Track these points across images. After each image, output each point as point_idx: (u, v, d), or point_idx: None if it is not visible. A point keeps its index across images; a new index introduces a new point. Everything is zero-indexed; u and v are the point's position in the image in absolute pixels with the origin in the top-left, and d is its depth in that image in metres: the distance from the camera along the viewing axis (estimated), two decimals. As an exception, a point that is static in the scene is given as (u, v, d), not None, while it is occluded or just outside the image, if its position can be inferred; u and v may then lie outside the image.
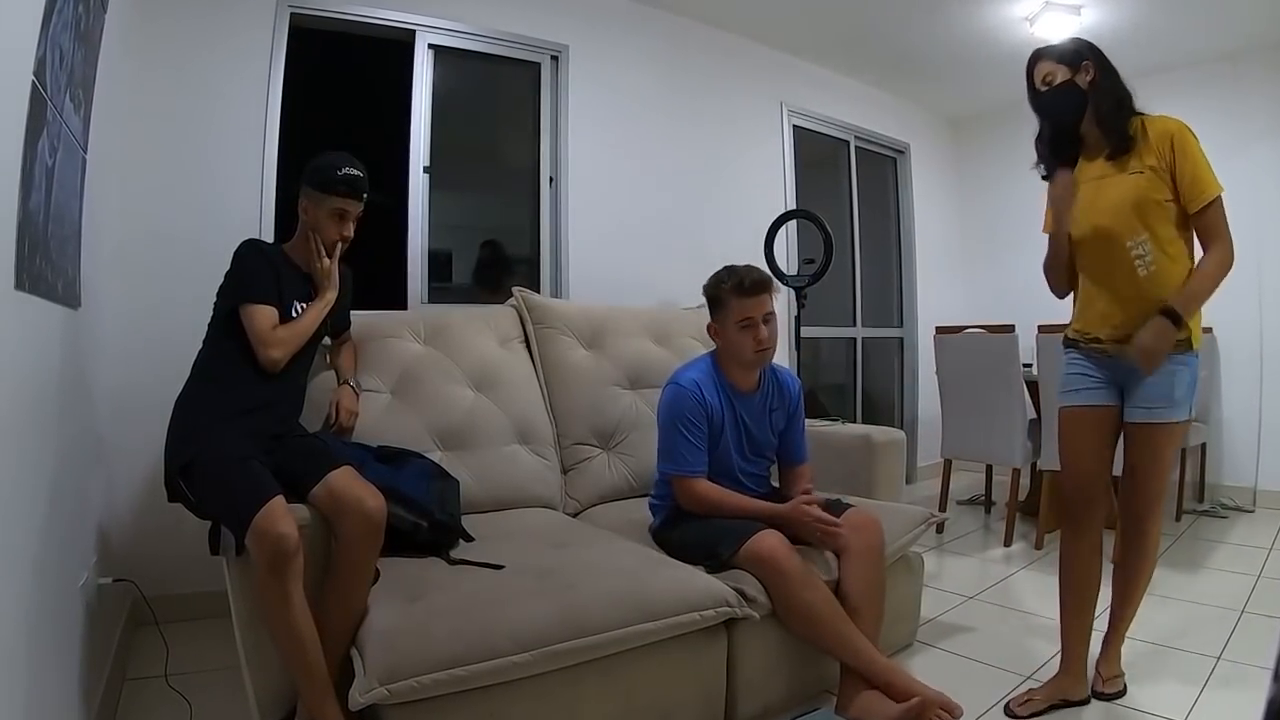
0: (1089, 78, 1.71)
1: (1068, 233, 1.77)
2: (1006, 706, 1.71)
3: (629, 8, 3.41)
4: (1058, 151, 1.79)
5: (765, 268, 2.88)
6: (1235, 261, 1.63)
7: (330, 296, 1.76)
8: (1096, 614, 1.79)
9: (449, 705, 1.28)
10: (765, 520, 1.75)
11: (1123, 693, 1.75)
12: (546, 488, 2.21)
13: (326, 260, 1.75)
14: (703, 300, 1.97)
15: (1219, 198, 1.62)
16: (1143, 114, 1.71)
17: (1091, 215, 1.72)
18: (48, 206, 1.27)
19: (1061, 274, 1.84)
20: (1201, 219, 1.64)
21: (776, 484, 2.08)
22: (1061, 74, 1.73)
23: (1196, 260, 1.67)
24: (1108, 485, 1.80)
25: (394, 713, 1.26)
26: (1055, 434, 3.02)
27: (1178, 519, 3.51)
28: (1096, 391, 1.77)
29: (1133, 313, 1.66)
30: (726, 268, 1.89)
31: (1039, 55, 1.80)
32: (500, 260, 3.30)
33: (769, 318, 1.84)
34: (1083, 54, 1.73)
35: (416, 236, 2.86)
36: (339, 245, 1.78)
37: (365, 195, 1.77)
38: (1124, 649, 1.81)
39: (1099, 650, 1.81)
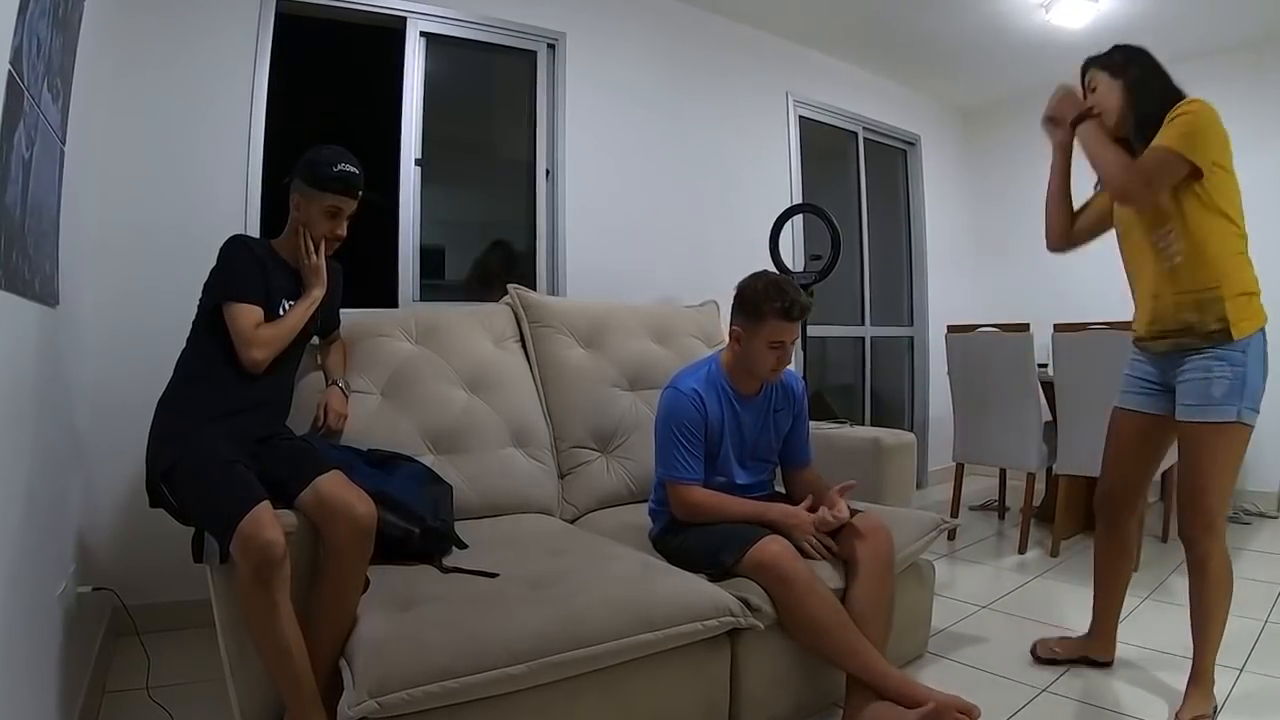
0: (1127, 82, 1.76)
1: (1066, 170, 1.94)
2: (1033, 646, 1.92)
3: (629, -6, 3.41)
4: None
5: (770, 264, 2.89)
6: (1134, 198, 1.67)
7: (317, 294, 1.76)
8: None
9: (440, 718, 1.28)
10: (768, 523, 1.76)
11: None
12: (543, 492, 2.21)
13: (314, 256, 1.75)
14: (705, 298, 1.96)
15: (1166, 150, 1.61)
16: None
17: (1123, 211, 1.78)
18: (24, 200, 1.27)
19: (1053, 218, 2.00)
20: (1146, 154, 1.64)
21: (780, 489, 2.08)
22: (1104, 82, 1.79)
23: (1229, 240, 1.66)
24: (1142, 493, 1.87)
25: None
26: (1066, 438, 3.07)
27: (1199, 525, 3.51)
28: (1143, 397, 1.81)
29: (1164, 306, 1.69)
30: (774, 282, 1.84)
31: (1088, 63, 1.86)
32: (509, 261, 3.23)
33: (794, 341, 1.88)
34: (1129, 61, 1.79)
35: (408, 232, 2.86)
36: (327, 242, 1.77)
37: (360, 193, 1.77)
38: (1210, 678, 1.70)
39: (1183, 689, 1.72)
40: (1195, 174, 1.61)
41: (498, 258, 3.21)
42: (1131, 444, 1.82)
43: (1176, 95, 1.72)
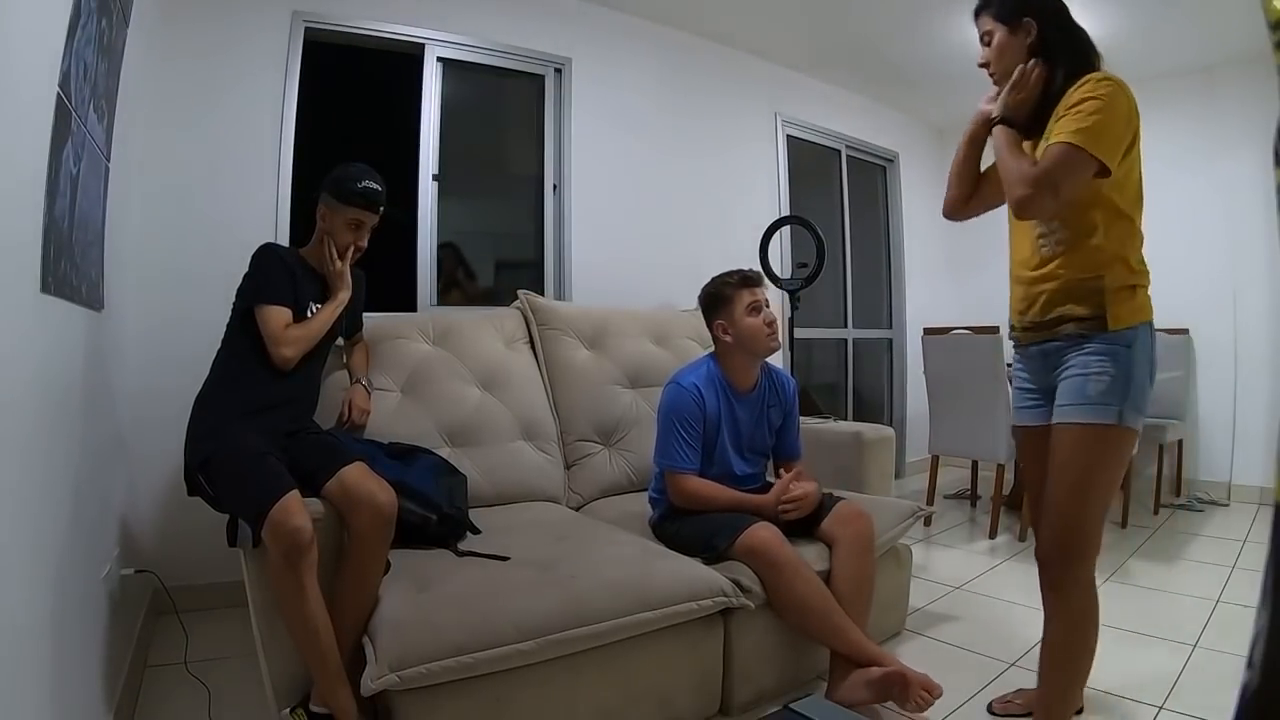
0: (1029, 39, 1.40)
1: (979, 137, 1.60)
2: (990, 705, 1.64)
3: (630, 22, 3.40)
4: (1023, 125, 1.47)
5: (760, 271, 2.88)
6: (1039, 211, 1.33)
7: (343, 297, 1.76)
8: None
9: (456, 691, 1.28)
10: (753, 511, 1.76)
11: None
12: (550, 483, 2.21)
13: (339, 263, 1.75)
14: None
15: (1073, 150, 1.25)
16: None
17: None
18: (72, 213, 1.27)
19: (953, 189, 1.68)
20: (1046, 155, 1.30)
21: (773, 480, 2.08)
22: (999, 34, 1.44)
23: (1119, 231, 1.34)
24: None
25: (403, 698, 1.26)
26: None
27: (1155, 513, 3.51)
28: (1031, 410, 1.52)
29: (1039, 294, 1.40)
30: (718, 275, 1.95)
31: (980, 7, 1.49)
32: (459, 261, 3.16)
33: (767, 302, 1.90)
34: (1022, 10, 1.41)
35: (426, 241, 2.86)
36: (351, 250, 1.78)
37: (381, 208, 1.77)
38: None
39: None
40: (1103, 173, 1.28)
41: (448, 258, 3.17)
42: (1035, 462, 1.50)
43: (1085, 65, 1.36)
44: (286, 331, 1.60)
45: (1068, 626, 1.40)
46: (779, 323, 1.91)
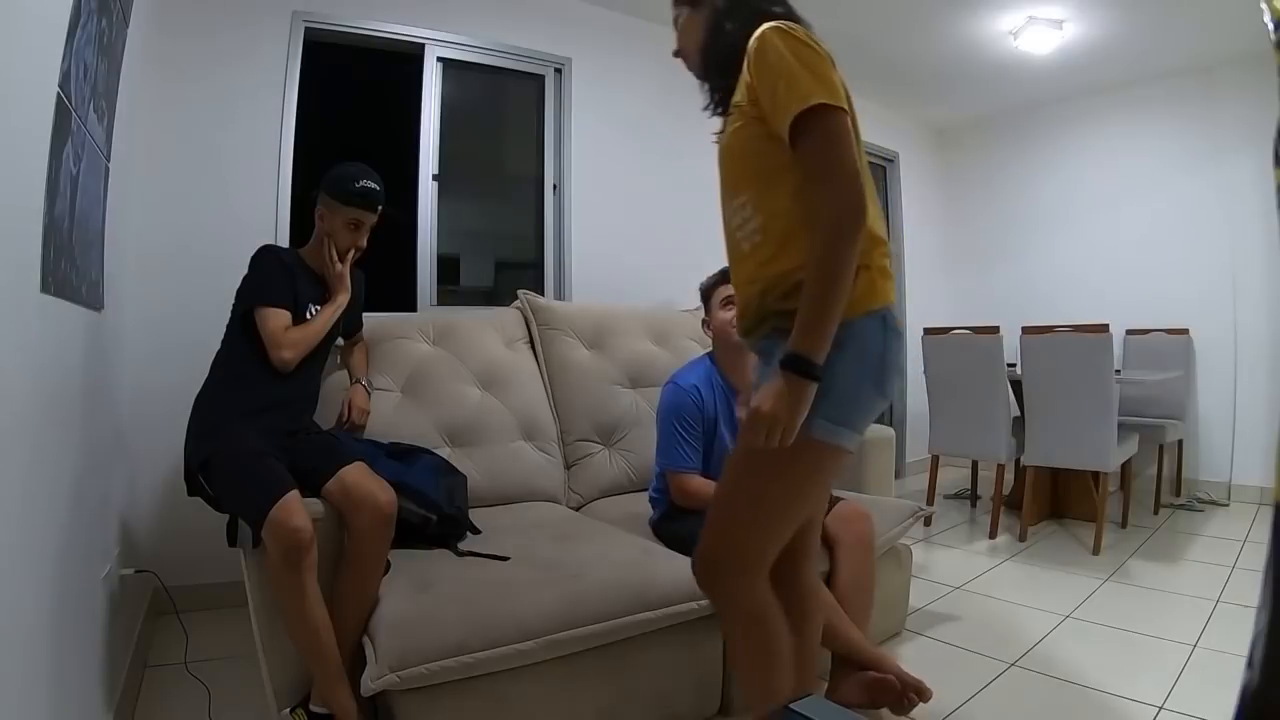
0: (712, 12, 1.23)
1: None
2: None
3: (629, 22, 3.40)
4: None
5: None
6: (861, 222, 1.01)
7: (342, 299, 1.76)
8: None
9: (456, 690, 1.28)
10: None
11: None
12: (550, 482, 2.21)
13: (339, 264, 1.75)
14: (699, 302, 1.98)
15: (817, 108, 1.01)
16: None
17: (720, 175, 1.25)
18: (72, 213, 1.27)
19: None
20: (798, 148, 1.04)
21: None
22: (683, 14, 1.28)
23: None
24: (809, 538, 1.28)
25: (403, 698, 1.26)
26: (1033, 432, 3.07)
27: (1155, 513, 3.51)
28: None
29: (749, 296, 1.16)
30: (710, 275, 2.00)
31: None
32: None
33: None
34: None
35: (426, 242, 2.86)
36: (352, 251, 1.78)
37: (380, 207, 1.77)
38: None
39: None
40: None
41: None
42: None
43: (744, 30, 1.13)
44: (285, 334, 1.60)
45: (738, 653, 1.22)
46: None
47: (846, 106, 1.07)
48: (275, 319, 1.60)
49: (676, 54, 1.31)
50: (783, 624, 1.16)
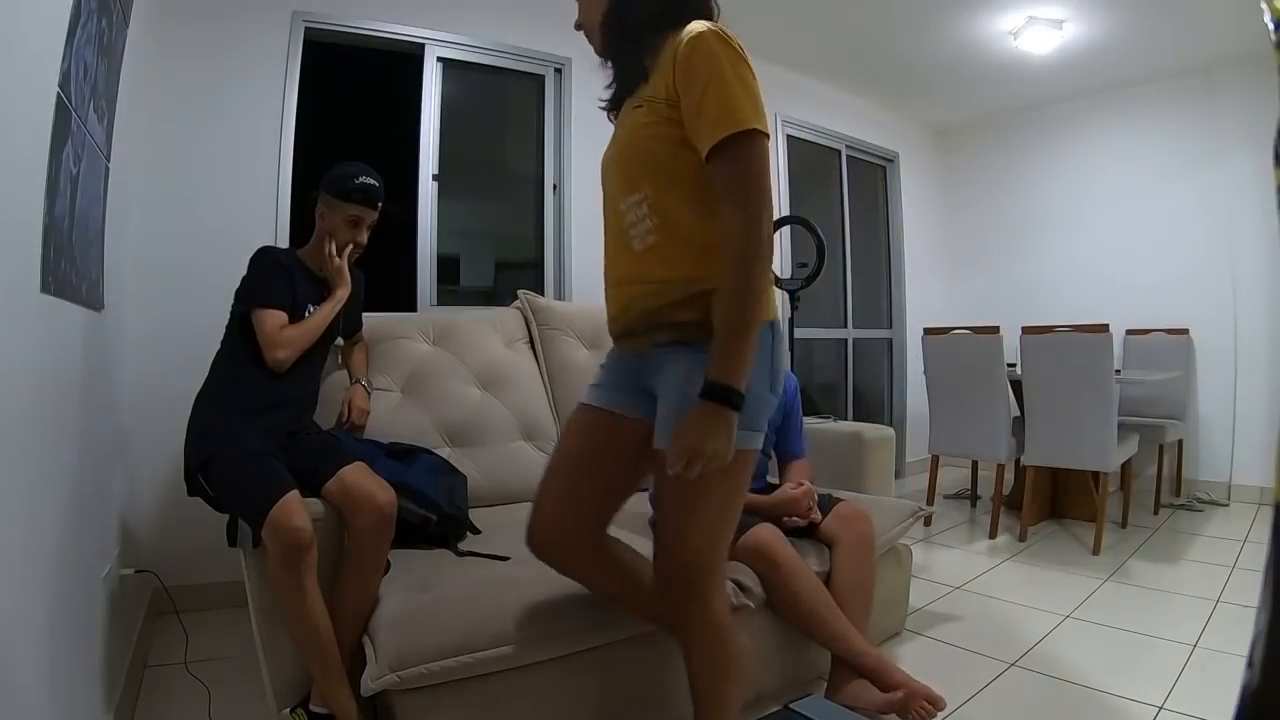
0: None
1: None
2: None
3: (629, 22, 3.40)
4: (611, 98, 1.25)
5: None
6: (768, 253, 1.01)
7: (341, 294, 1.76)
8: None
9: (456, 690, 1.28)
10: (757, 512, 1.76)
11: None
12: (550, 482, 2.21)
13: (338, 259, 1.75)
14: None
15: (747, 134, 1.01)
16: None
17: (606, 165, 1.21)
18: (72, 213, 1.27)
19: None
20: (716, 165, 1.02)
21: (774, 480, 2.08)
22: None
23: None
24: (592, 528, 1.27)
25: (404, 698, 1.26)
26: (1033, 432, 3.07)
27: (1155, 513, 3.51)
28: (614, 393, 1.26)
29: (633, 297, 1.14)
30: None
31: None
32: None
33: None
34: None
35: (426, 241, 2.86)
36: (351, 248, 1.78)
37: (380, 204, 1.78)
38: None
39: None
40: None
41: None
42: (582, 453, 1.26)
43: (659, 16, 1.12)
44: (281, 333, 1.60)
45: (703, 669, 1.20)
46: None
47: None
48: (271, 319, 1.60)
49: (578, 27, 1.24)
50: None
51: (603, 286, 1.24)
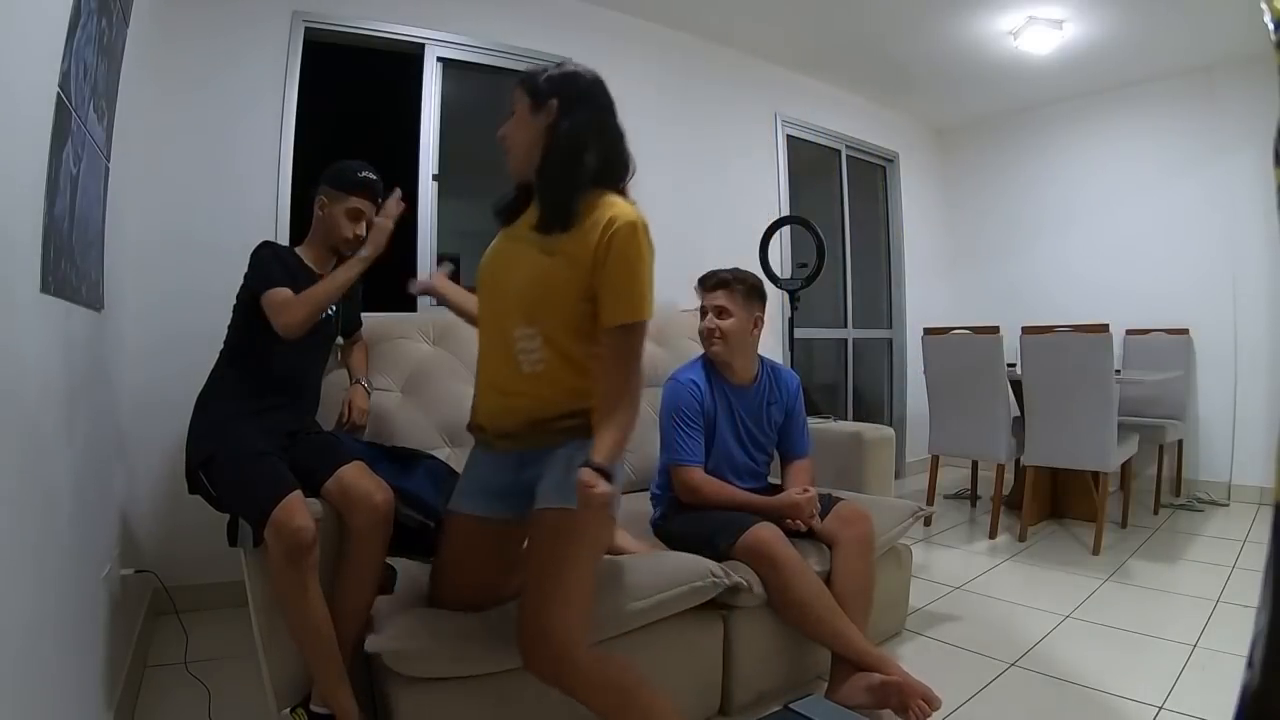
0: (547, 121, 1.29)
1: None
2: None
3: (629, 23, 3.41)
4: (508, 205, 1.42)
5: (760, 271, 2.89)
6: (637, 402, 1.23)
7: (369, 254, 1.67)
8: None
9: (456, 690, 1.29)
10: (758, 513, 1.76)
11: None
12: (550, 482, 2.21)
13: (388, 222, 1.66)
14: (699, 303, 1.99)
15: (644, 323, 1.24)
16: (607, 193, 1.30)
17: (494, 278, 1.36)
18: (72, 213, 1.27)
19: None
20: (610, 342, 1.23)
21: (775, 480, 2.08)
22: (521, 108, 1.32)
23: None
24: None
25: (404, 697, 1.26)
26: (1033, 432, 3.07)
27: (1155, 513, 3.51)
28: (488, 499, 1.36)
29: (516, 406, 1.29)
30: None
31: (521, 78, 1.36)
32: None
33: (721, 311, 1.92)
34: (554, 90, 1.30)
35: (426, 241, 2.86)
36: (348, 243, 1.77)
37: (380, 199, 1.78)
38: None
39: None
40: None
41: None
42: (473, 555, 1.36)
43: (594, 175, 1.29)
44: (289, 302, 1.55)
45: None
46: (775, 332, 1.92)
47: None
48: (278, 295, 1.56)
49: (501, 139, 1.36)
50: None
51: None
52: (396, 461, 1.76)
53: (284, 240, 2.43)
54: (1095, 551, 2.85)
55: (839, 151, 4.46)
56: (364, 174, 1.73)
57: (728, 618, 1.65)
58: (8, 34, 0.93)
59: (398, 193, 1.71)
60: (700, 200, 3.62)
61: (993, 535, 3.15)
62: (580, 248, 1.24)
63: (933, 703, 1.51)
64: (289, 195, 2.48)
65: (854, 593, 1.70)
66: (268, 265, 1.63)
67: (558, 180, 1.28)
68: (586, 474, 1.12)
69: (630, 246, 1.23)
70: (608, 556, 1.51)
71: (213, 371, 1.65)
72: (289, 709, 1.38)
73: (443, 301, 1.67)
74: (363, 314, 2.03)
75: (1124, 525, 3.25)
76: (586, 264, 1.23)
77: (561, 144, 1.28)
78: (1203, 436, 3.90)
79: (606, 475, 1.14)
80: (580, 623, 1.21)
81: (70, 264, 1.27)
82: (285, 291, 1.59)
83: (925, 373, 3.52)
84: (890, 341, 4.81)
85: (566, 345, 1.26)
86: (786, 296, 3.42)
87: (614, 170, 1.33)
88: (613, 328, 1.23)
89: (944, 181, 5.14)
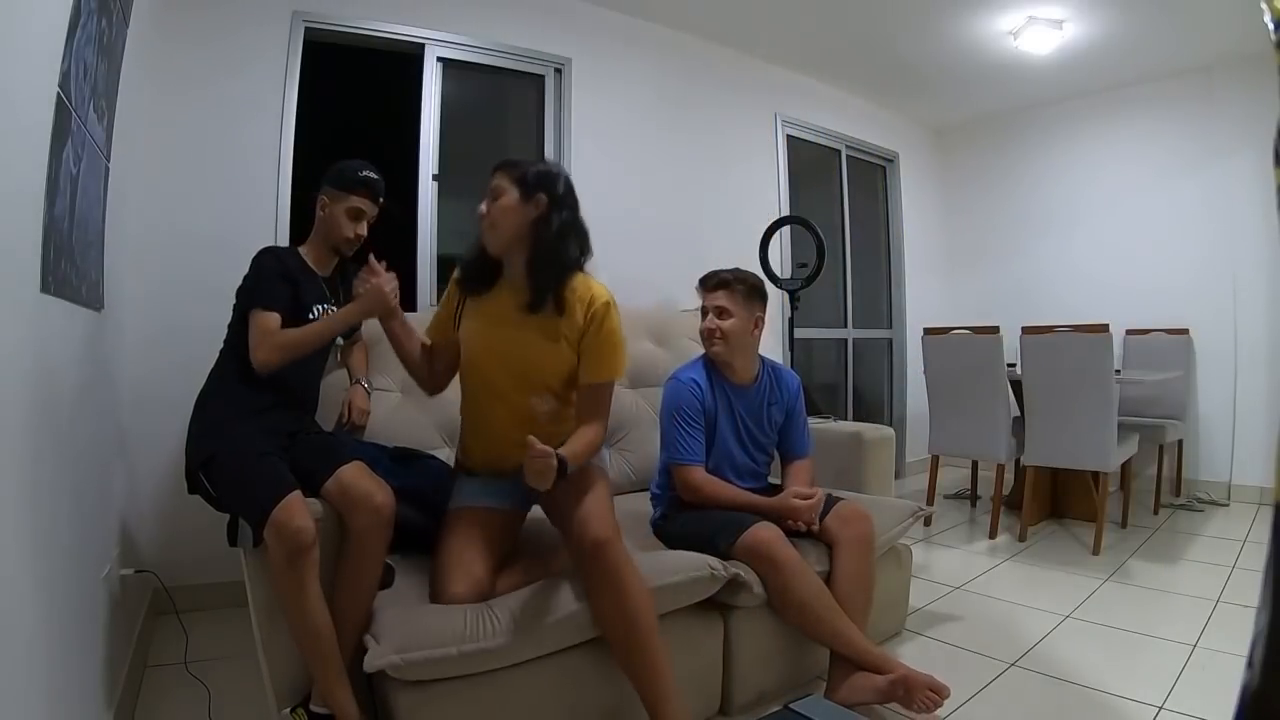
0: (536, 214, 1.50)
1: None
2: None
3: (630, 23, 3.41)
4: (479, 276, 1.60)
5: (760, 271, 2.89)
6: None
7: (356, 311, 1.63)
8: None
9: (456, 689, 1.29)
10: (759, 513, 1.76)
11: None
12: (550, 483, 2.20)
13: (386, 283, 1.63)
14: (701, 303, 1.99)
15: (612, 384, 1.56)
16: (577, 273, 1.54)
17: (504, 360, 1.55)
18: (72, 213, 1.27)
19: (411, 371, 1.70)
20: (591, 393, 1.53)
21: (775, 480, 2.08)
22: (510, 196, 1.50)
23: None
24: None
25: (404, 697, 1.26)
26: (1033, 432, 3.07)
27: (1155, 513, 3.51)
28: (492, 495, 1.59)
29: (510, 452, 1.44)
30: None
31: (500, 164, 1.55)
32: None
33: (721, 311, 1.92)
34: (541, 186, 1.50)
35: (426, 242, 2.86)
36: (348, 243, 1.77)
37: (381, 199, 1.79)
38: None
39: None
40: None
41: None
42: (473, 546, 1.49)
43: (575, 263, 1.53)
44: (271, 336, 1.56)
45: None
46: (775, 332, 1.92)
47: None
48: (264, 321, 1.57)
49: (482, 217, 1.53)
50: None
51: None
52: (396, 461, 1.76)
53: (284, 240, 2.44)
54: (1095, 551, 2.85)
55: (839, 152, 4.46)
56: (364, 173, 1.74)
57: (728, 618, 1.65)
58: (8, 34, 0.93)
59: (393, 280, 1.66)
60: (700, 200, 3.62)
61: (993, 535, 3.15)
62: (571, 328, 1.51)
63: (941, 691, 1.51)
64: (289, 195, 2.48)
65: (854, 593, 1.70)
66: (266, 280, 1.61)
67: (552, 270, 1.50)
68: (540, 445, 1.28)
69: (609, 321, 1.52)
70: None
71: (212, 371, 1.65)
72: (289, 709, 1.38)
73: (386, 322, 1.64)
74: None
75: (1124, 525, 3.25)
76: (575, 340, 1.52)
77: (554, 239, 1.50)
78: (1203, 436, 3.90)
79: (563, 468, 1.34)
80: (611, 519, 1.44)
81: (70, 264, 1.27)
82: (273, 319, 1.57)
83: (925, 373, 3.52)
84: (890, 341, 4.81)
85: (567, 395, 1.59)
86: (786, 296, 3.42)
87: (584, 256, 1.57)
88: (595, 384, 1.53)
89: (944, 181, 5.14)
